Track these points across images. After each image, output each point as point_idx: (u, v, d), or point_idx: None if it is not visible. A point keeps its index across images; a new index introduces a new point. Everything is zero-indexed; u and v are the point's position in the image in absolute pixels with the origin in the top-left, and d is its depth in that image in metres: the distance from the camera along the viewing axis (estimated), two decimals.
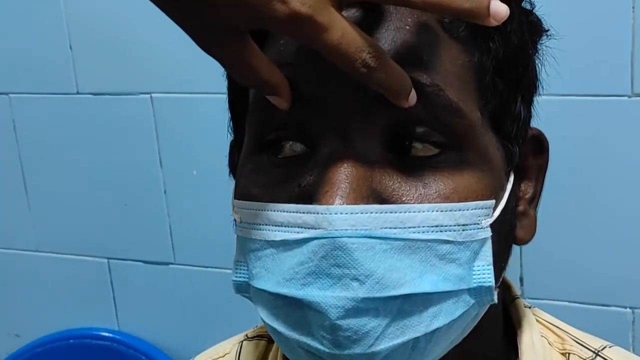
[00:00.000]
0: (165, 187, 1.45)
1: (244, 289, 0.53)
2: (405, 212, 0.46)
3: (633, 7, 1.05)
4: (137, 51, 1.39)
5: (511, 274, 1.17)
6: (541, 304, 1.18)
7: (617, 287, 1.17)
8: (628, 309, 1.17)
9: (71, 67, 1.45)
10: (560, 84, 0.99)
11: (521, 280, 1.21)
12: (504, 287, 0.63)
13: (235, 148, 0.60)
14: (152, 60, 1.38)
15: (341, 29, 0.43)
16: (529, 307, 0.65)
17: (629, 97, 1.08)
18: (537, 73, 0.57)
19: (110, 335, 1.58)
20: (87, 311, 1.60)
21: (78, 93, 1.46)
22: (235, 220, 0.52)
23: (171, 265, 1.50)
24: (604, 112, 1.10)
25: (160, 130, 1.42)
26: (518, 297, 0.64)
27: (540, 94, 0.58)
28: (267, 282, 0.49)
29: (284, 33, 0.47)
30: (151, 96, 1.41)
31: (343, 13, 0.45)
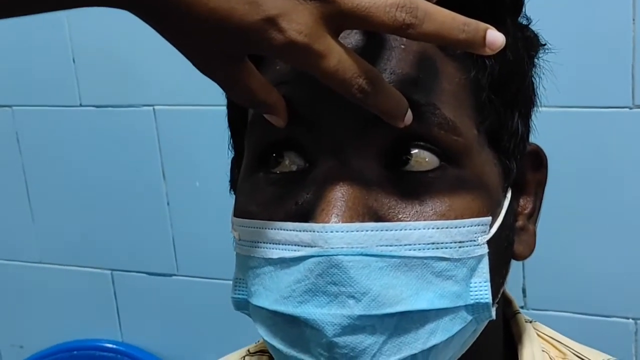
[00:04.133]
0: (168, 198, 1.46)
1: (243, 306, 0.53)
2: (401, 230, 0.46)
3: (633, 20, 1.05)
4: (139, 64, 1.39)
5: (514, 285, 1.18)
6: (544, 315, 1.18)
7: (620, 298, 1.16)
8: (631, 320, 1.16)
9: (74, 79, 1.45)
10: (562, 95, 0.99)
11: (524, 291, 1.21)
12: (505, 302, 0.62)
13: (235, 165, 0.60)
14: (155, 72, 1.38)
15: (337, 55, 0.43)
16: (530, 322, 0.64)
17: (630, 108, 1.09)
18: (535, 88, 0.57)
19: (114, 346, 1.58)
20: (90, 322, 1.60)
21: (81, 105, 1.47)
22: (234, 237, 0.53)
23: (174, 277, 1.50)
24: (606, 124, 1.10)
25: (163, 142, 1.42)
26: (519, 312, 0.64)
27: (538, 108, 0.58)
28: (265, 299, 0.49)
29: (281, 60, 0.48)
30: (154, 108, 1.41)
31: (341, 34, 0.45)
